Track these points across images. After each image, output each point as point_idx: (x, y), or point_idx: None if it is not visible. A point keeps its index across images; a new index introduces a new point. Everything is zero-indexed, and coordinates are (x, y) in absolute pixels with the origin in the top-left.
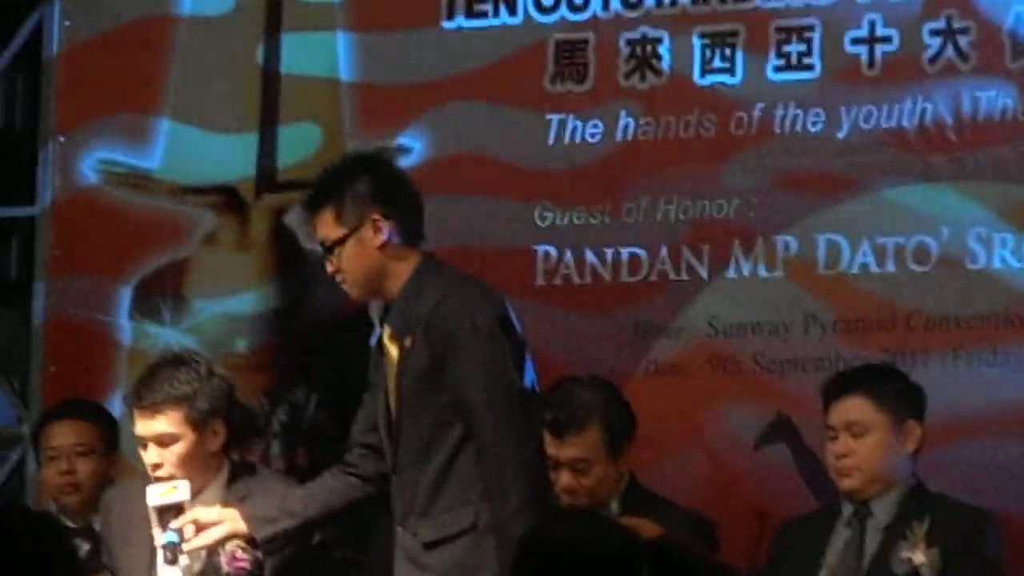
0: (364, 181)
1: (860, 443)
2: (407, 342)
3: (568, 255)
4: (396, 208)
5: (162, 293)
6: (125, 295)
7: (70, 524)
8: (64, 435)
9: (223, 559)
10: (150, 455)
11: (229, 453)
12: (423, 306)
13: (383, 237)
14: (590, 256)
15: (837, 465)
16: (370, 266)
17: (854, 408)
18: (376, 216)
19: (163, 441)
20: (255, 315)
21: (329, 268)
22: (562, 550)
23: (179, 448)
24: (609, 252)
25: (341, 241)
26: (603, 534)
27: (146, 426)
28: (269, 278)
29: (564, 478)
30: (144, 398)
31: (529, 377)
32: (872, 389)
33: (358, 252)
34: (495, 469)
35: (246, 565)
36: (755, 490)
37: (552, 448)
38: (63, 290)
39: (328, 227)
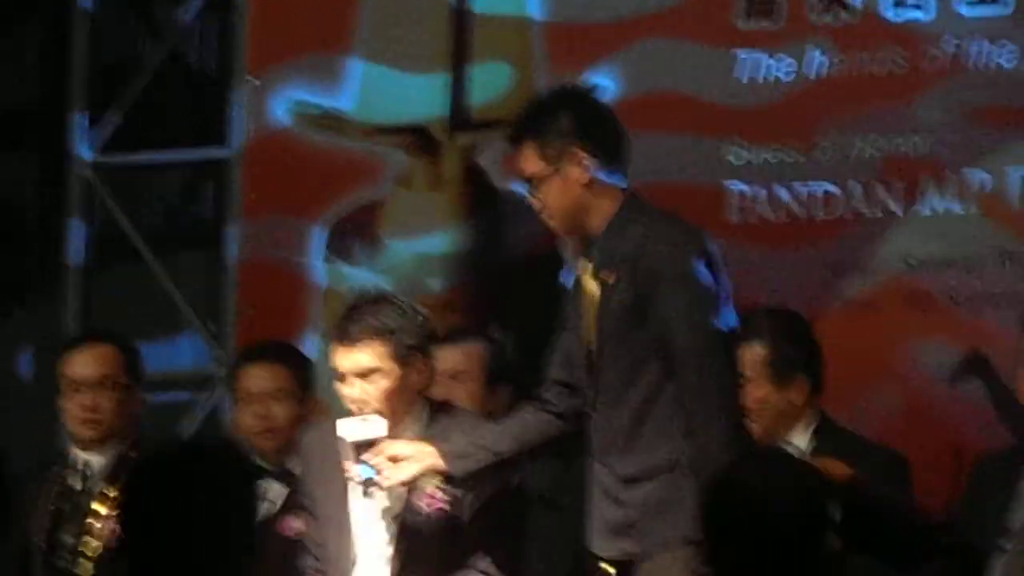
0: (568, 116)
1: None
2: (609, 279)
3: (760, 192)
4: (600, 144)
5: (355, 234)
6: (318, 236)
7: (265, 466)
8: (260, 379)
9: (421, 499)
10: (352, 390)
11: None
12: (627, 243)
13: (587, 173)
14: (782, 193)
15: None
16: (573, 202)
17: None
18: (580, 152)
19: (367, 375)
20: (448, 255)
21: (533, 204)
22: (752, 491)
23: (383, 383)
24: (802, 189)
25: (545, 177)
26: (794, 476)
27: (350, 360)
28: (461, 218)
29: None
30: (349, 332)
31: (731, 316)
32: None
33: (561, 188)
34: (696, 408)
35: (444, 505)
36: (950, 426)
37: None
38: (257, 232)
39: (531, 163)
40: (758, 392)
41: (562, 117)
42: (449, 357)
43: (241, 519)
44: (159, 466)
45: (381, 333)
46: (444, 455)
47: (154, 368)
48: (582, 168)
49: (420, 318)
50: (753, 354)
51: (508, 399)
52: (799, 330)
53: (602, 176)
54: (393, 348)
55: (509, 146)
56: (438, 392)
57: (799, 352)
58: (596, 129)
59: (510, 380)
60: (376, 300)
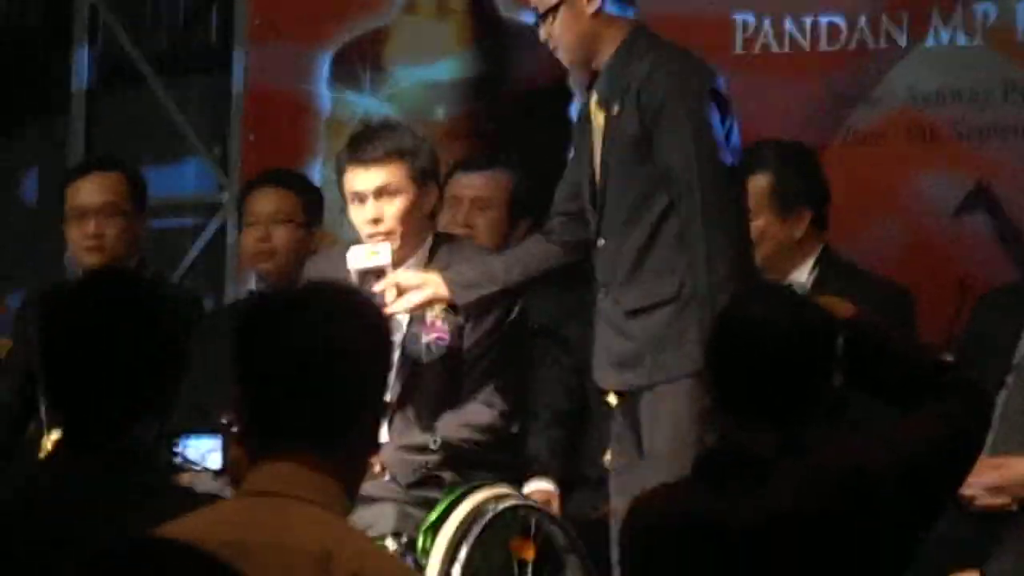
0: None
1: None
2: (615, 110)
3: (766, 23)
4: None
5: (361, 61)
6: (324, 63)
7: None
8: (263, 202)
9: (422, 328)
10: (368, 210)
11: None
12: (633, 74)
13: (596, 4)
14: (788, 24)
15: None
16: (582, 33)
17: None
18: None
19: (383, 194)
20: (454, 83)
21: (542, 35)
22: (757, 325)
23: (400, 202)
24: (808, 20)
25: (554, 8)
26: (798, 311)
27: (367, 178)
28: (468, 46)
29: None
30: (366, 151)
31: (738, 151)
32: None
33: (571, 19)
34: (701, 239)
35: (445, 336)
36: (954, 259)
37: None
38: (262, 58)
39: None
40: (759, 222)
41: None
42: (475, 183)
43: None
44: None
45: (399, 153)
46: (449, 284)
47: (158, 193)
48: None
49: (430, 145)
50: (756, 185)
51: (527, 232)
52: (804, 162)
53: (611, 7)
54: (410, 168)
55: None
56: (459, 219)
57: (803, 184)
58: None
59: (530, 214)
60: (389, 124)
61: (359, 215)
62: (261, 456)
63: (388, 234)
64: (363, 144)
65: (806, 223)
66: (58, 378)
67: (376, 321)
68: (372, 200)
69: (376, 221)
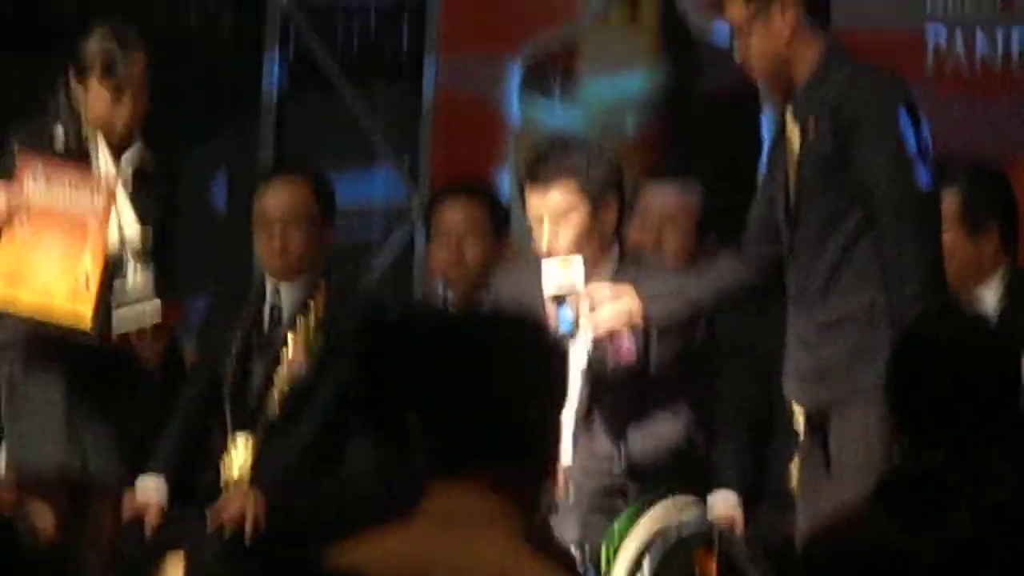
0: None
1: None
2: (811, 125)
3: (959, 40)
4: None
5: (552, 70)
6: (515, 72)
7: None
8: (454, 213)
9: (610, 342)
10: (544, 231)
11: (619, 237)
12: (830, 91)
13: (792, 20)
14: (981, 41)
15: None
16: (777, 49)
17: None
18: None
19: (558, 213)
20: (644, 94)
21: (735, 50)
22: (940, 347)
23: (574, 220)
24: (1001, 37)
25: (749, 22)
26: (988, 336)
27: (540, 200)
28: (659, 59)
29: None
30: (538, 172)
31: (931, 168)
32: None
33: (766, 35)
34: (895, 256)
35: (633, 351)
36: None
37: None
38: (454, 66)
39: (737, 9)
40: (948, 238)
41: None
42: (664, 197)
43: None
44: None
45: (570, 170)
46: (644, 301)
47: (347, 200)
48: (787, 15)
49: (608, 156)
50: (946, 202)
51: (715, 246)
52: (994, 179)
53: (806, 23)
54: (585, 186)
55: None
56: (647, 232)
57: (993, 202)
58: None
59: (717, 229)
60: (562, 142)
61: (537, 235)
62: (439, 478)
63: (565, 252)
64: (538, 165)
65: (995, 241)
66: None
67: (552, 343)
68: (548, 222)
69: (552, 241)
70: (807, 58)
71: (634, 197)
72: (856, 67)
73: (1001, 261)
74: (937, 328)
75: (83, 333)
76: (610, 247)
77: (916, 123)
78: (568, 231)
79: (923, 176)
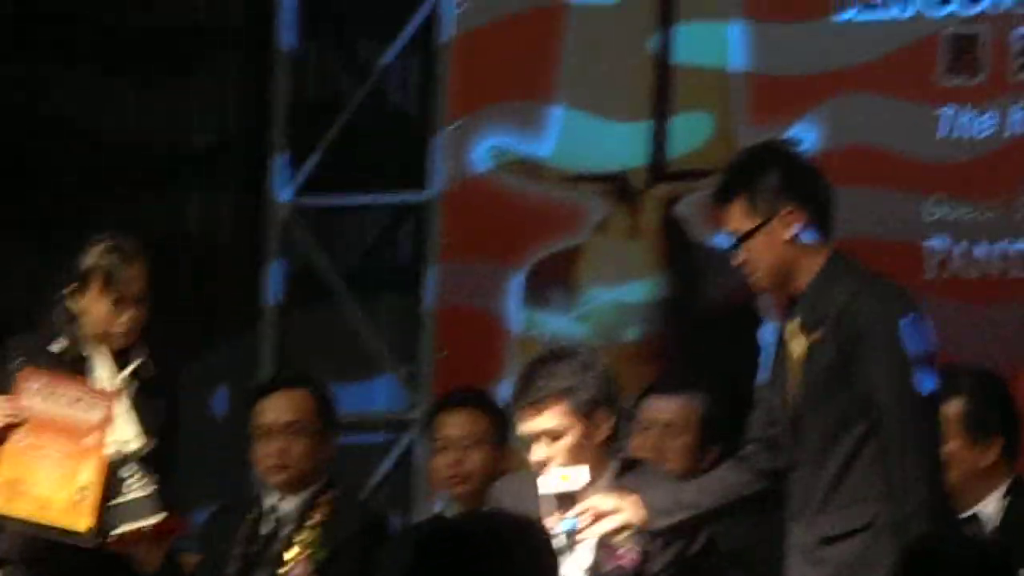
0: (776, 172)
1: None
2: (815, 336)
3: (957, 249)
4: (808, 201)
5: (553, 281)
6: (516, 282)
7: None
8: (456, 425)
9: (611, 553)
10: (538, 452)
11: (617, 446)
12: (833, 301)
13: (794, 230)
14: (981, 250)
15: None
16: (779, 259)
17: None
18: (788, 209)
19: (550, 436)
20: (645, 304)
21: (736, 260)
22: (942, 564)
23: (567, 440)
24: (1000, 247)
25: (751, 233)
26: (990, 554)
27: (531, 423)
28: (659, 268)
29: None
30: (527, 396)
31: (934, 379)
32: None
33: (768, 244)
34: (897, 469)
35: (634, 561)
36: None
37: None
38: (454, 277)
39: (738, 219)
40: (950, 447)
41: (771, 173)
42: (667, 408)
43: None
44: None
45: (559, 393)
46: (647, 508)
47: (348, 409)
48: (790, 225)
49: (599, 369)
50: (949, 410)
51: (715, 459)
52: (998, 390)
53: (809, 233)
54: (573, 405)
55: (715, 200)
56: (651, 443)
57: (996, 411)
58: (804, 187)
59: (720, 440)
60: (549, 359)
61: (531, 457)
62: None
63: None
64: (525, 389)
65: (998, 451)
66: None
67: (547, 554)
68: (539, 443)
69: (544, 464)
70: (809, 268)
71: (636, 407)
72: (860, 278)
73: (1003, 471)
74: (940, 545)
75: (81, 540)
76: (606, 459)
77: (919, 332)
78: (562, 450)
79: (926, 385)
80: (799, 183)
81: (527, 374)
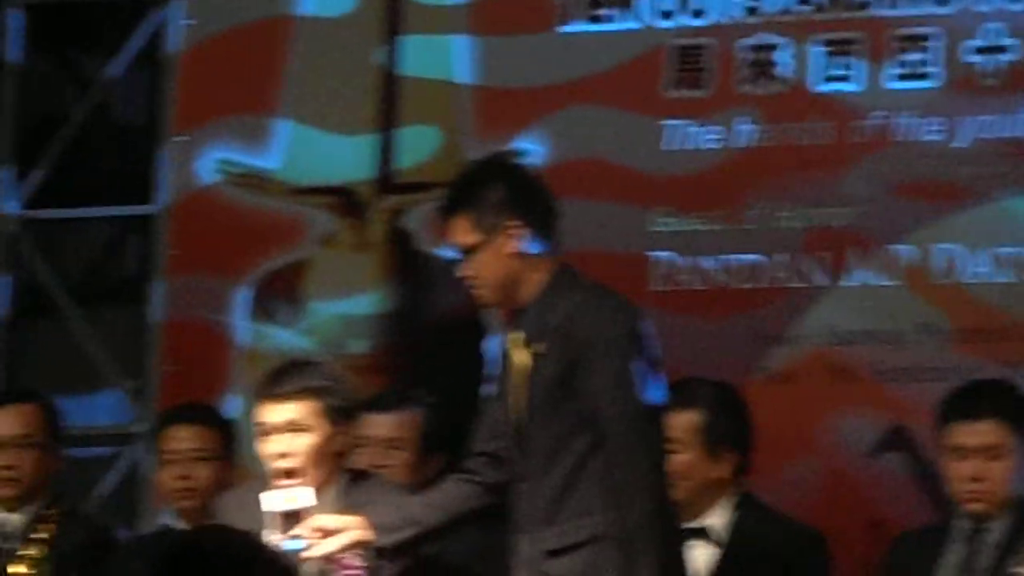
0: (501, 188)
1: (995, 466)
2: (538, 348)
3: (684, 261)
4: (532, 216)
5: (279, 294)
6: (242, 296)
7: (185, 528)
8: (183, 439)
9: (336, 568)
10: (276, 444)
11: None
12: (557, 314)
13: (518, 244)
14: (706, 262)
15: (968, 488)
16: (504, 273)
17: (990, 431)
18: (512, 224)
19: (292, 429)
20: (371, 317)
21: (461, 273)
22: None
23: (309, 439)
24: (725, 258)
25: (475, 247)
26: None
27: (277, 413)
28: (385, 280)
29: None
30: (278, 386)
31: (659, 390)
32: (1008, 411)
33: (492, 259)
34: (622, 480)
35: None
36: (870, 500)
37: None
38: (180, 290)
39: (463, 233)
40: (685, 458)
41: (495, 188)
42: (384, 424)
43: None
44: None
45: (312, 390)
46: (372, 527)
47: (74, 423)
48: (514, 240)
49: (348, 383)
50: (687, 421)
51: (441, 469)
52: (735, 404)
53: (534, 247)
54: (323, 406)
55: (440, 215)
56: (370, 459)
57: (733, 426)
58: (528, 201)
59: (443, 449)
60: (304, 362)
61: (266, 449)
62: None
63: (294, 470)
64: (276, 379)
65: (731, 465)
66: None
67: (283, 571)
68: (280, 435)
69: (282, 455)
70: (534, 281)
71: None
72: (585, 290)
73: (733, 484)
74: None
75: None
76: (337, 471)
77: (643, 343)
78: (299, 446)
79: (650, 396)
80: (523, 197)
81: (279, 369)
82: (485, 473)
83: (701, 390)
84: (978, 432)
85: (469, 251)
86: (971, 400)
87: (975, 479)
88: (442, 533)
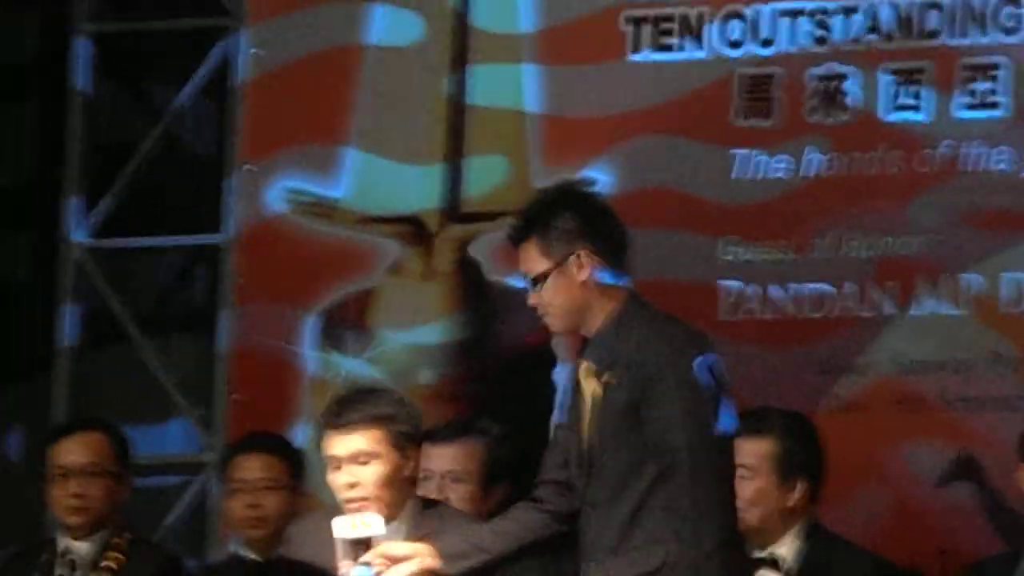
0: (572, 215)
1: None
2: (607, 378)
3: (752, 290)
4: (603, 244)
5: (347, 323)
6: (310, 324)
7: (255, 558)
8: (251, 469)
9: None
10: (344, 475)
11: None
12: (626, 344)
13: (589, 273)
14: (775, 291)
15: None
16: (573, 300)
17: None
18: (583, 251)
19: (360, 459)
20: (439, 346)
21: (531, 301)
22: None
23: (377, 468)
24: (794, 288)
25: (546, 275)
26: None
27: (343, 444)
28: (453, 309)
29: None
30: (343, 416)
31: (729, 420)
32: None
33: (562, 286)
34: (692, 510)
35: None
36: (938, 529)
37: None
38: (249, 318)
39: (533, 260)
40: (758, 484)
41: (566, 216)
42: (446, 456)
43: None
44: None
45: (377, 419)
46: (440, 555)
47: (143, 452)
48: (585, 268)
49: (413, 408)
50: (760, 448)
51: (504, 499)
52: (807, 432)
53: (604, 275)
54: (389, 434)
55: (510, 241)
56: (433, 491)
57: (805, 454)
58: (600, 229)
59: (507, 479)
60: (369, 389)
61: (336, 480)
62: None
63: (365, 500)
64: (341, 409)
65: (803, 493)
66: None
67: None
68: (348, 465)
69: (352, 486)
70: (603, 310)
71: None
72: (654, 320)
73: (803, 513)
74: None
75: None
76: (407, 499)
77: (713, 373)
78: (368, 475)
79: (720, 425)
80: (594, 225)
81: (343, 399)
82: (554, 502)
83: (774, 418)
84: None
85: (539, 278)
86: None
87: None
88: (510, 561)
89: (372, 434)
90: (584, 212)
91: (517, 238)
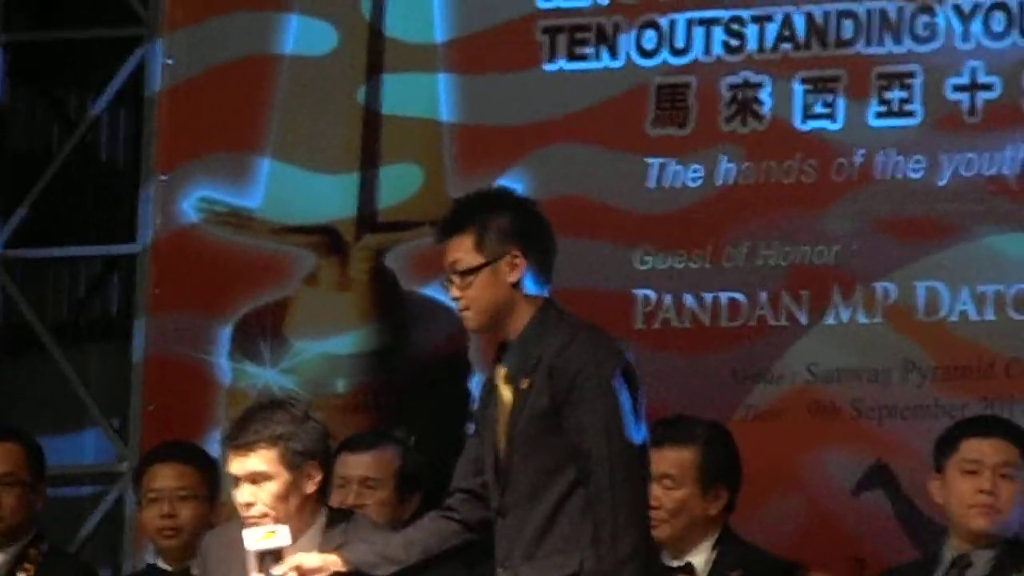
0: (509, 215)
1: (1005, 485)
2: (524, 384)
3: (667, 299)
4: (534, 251)
5: (262, 333)
6: (225, 334)
7: (168, 568)
8: (166, 478)
9: None
10: (243, 493)
11: (325, 499)
12: (545, 349)
13: (517, 275)
14: (689, 300)
15: (979, 501)
16: (498, 300)
17: (1005, 450)
18: (515, 252)
19: (256, 479)
20: (354, 356)
21: (453, 293)
22: None
23: (272, 487)
24: (708, 296)
25: (475, 270)
26: None
27: (240, 464)
28: (368, 319)
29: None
30: (239, 437)
31: (644, 428)
32: (1017, 437)
33: (490, 284)
34: (607, 517)
35: None
36: (852, 537)
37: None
38: (163, 328)
39: (464, 252)
40: (680, 494)
41: (505, 216)
42: (362, 464)
43: None
44: None
45: (271, 439)
46: (350, 565)
47: (57, 462)
48: (516, 270)
49: (312, 423)
50: (683, 457)
51: (418, 506)
52: (727, 442)
53: (530, 281)
54: (282, 453)
55: (443, 231)
56: (348, 499)
57: (726, 464)
58: (534, 236)
59: (421, 487)
60: (268, 406)
61: (237, 498)
62: None
63: (264, 516)
64: (238, 431)
65: (723, 502)
66: None
67: None
68: (245, 484)
69: (250, 505)
70: (522, 314)
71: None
72: (572, 326)
73: (719, 521)
74: None
75: None
76: (315, 512)
77: (630, 381)
78: (263, 495)
79: (637, 434)
80: (529, 231)
81: (244, 416)
82: (465, 510)
83: (696, 428)
84: (995, 449)
85: (467, 272)
86: (984, 421)
87: (991, 493)
88: (420, 570)
89: (266, 454)
90: (522, 216)
91: (451, 229)
